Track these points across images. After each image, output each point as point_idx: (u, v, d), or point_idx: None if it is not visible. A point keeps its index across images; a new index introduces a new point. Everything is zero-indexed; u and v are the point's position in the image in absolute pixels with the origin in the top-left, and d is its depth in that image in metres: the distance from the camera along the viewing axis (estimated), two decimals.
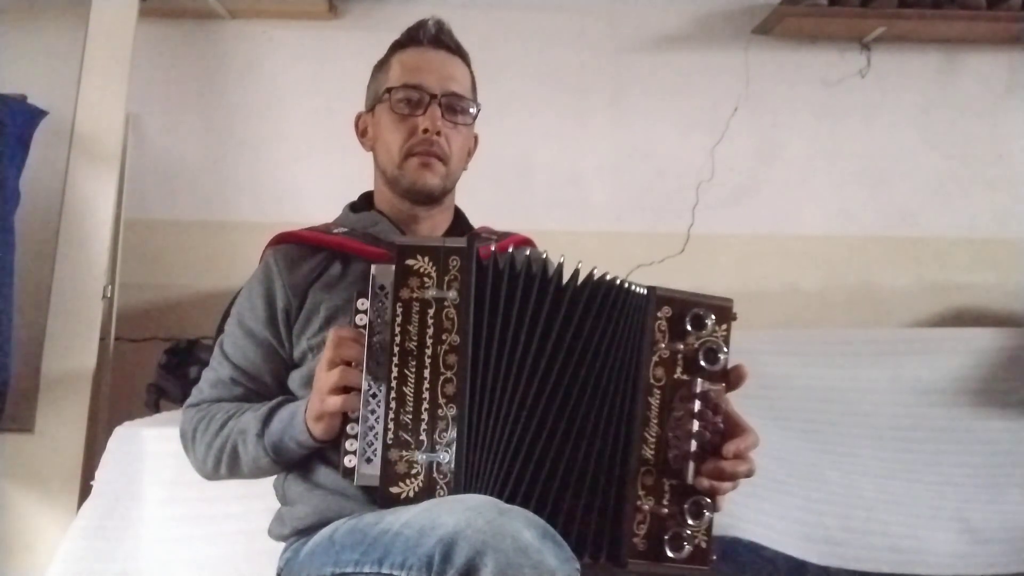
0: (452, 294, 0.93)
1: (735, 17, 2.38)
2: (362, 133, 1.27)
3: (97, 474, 1.57)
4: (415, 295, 0.93)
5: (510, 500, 0.89)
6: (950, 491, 1.85)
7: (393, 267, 0.94)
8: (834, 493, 1.80)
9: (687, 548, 0.92)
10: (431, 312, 0.93)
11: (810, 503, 1.77)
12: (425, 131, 1.15)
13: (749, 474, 0.94)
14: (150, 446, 1.56)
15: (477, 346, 0.94)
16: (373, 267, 0.96)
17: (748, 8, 2.37)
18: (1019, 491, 1.87)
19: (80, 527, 1.53)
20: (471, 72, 1.24)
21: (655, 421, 0.95)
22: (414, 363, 0.92)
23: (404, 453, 0.91)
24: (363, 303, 0.99)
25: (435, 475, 0.90)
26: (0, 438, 1.82)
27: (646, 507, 0.93)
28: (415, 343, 0.92)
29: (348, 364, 0.95)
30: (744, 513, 1.66)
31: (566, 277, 0.99)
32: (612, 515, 0.94)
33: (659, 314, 0.96)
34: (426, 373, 0.92)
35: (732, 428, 0.96)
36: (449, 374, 0.92)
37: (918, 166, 2.41)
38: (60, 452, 1.83)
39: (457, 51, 1.22)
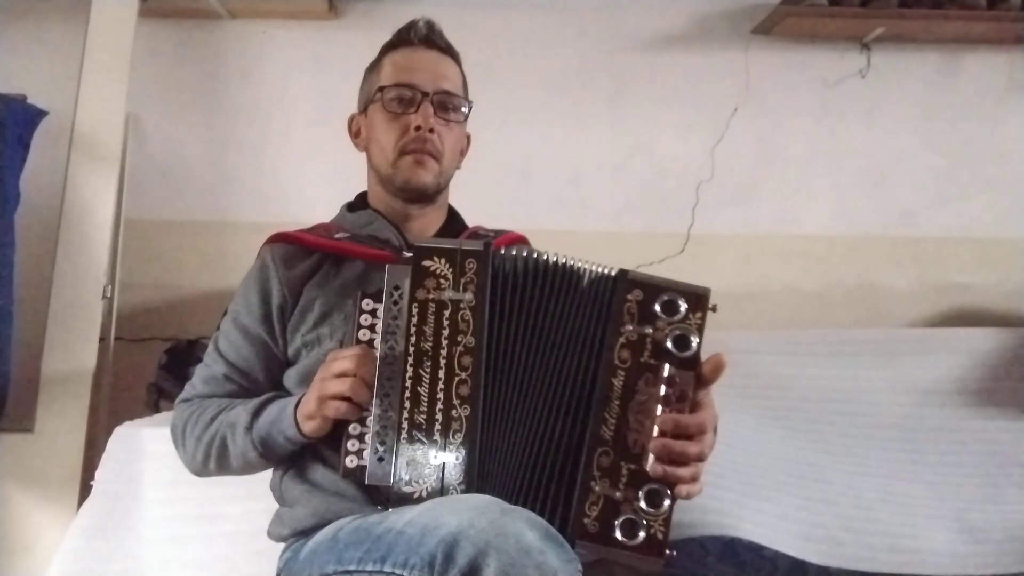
0: (468, 296, 0.94)
1: (735, 17, 2.38)
2: (355, 134, 1.28)
3: (97, 474, 1.57)
4: (431, 296, 0.94)
5: (523, 502, 0.89)
6: (950, 491, 1.85)
7: (408, 267, 0.95)
8: (834, 493, 1.79)
9: (641, 535, 0.88)
10: (447, 313, 0.94)
11: (810, 503, 1.76)
12: (418, 128, 1.16)
13: (700, 456, 0.91)
14: (150, 446, 1.56)
15: (491, 348, 0.94)
16: (388, 267, 0.97)
17: (748, 8, 2.37)
18: (1019, 491, 1.86)
19: (80, 527, 1.53)
20: (462, 71, 1.25)
21: (617, 403, 0.92)
22: (429, 364, 0.93)
23: (418, 452, 0.91)
24: (368, 303, 0.99)
25: (448, 475, 0.90)
26: (0, 438, 1.82)
27: (598, 488, 0.90)
28: (430, 344, 0.93)
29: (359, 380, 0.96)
30: (744, 513, 1.66)
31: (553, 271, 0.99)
32: (563, 493, 0.92)
33: (629, 296, 0.94)
34: (441, 374, 0.93)
35: (693, 406, 0.93)
36: (464, 375, 0.92)
37: (918, 166, 2.41)
38: (60, 452, 1.82)
39: (448, 51, 1.23)
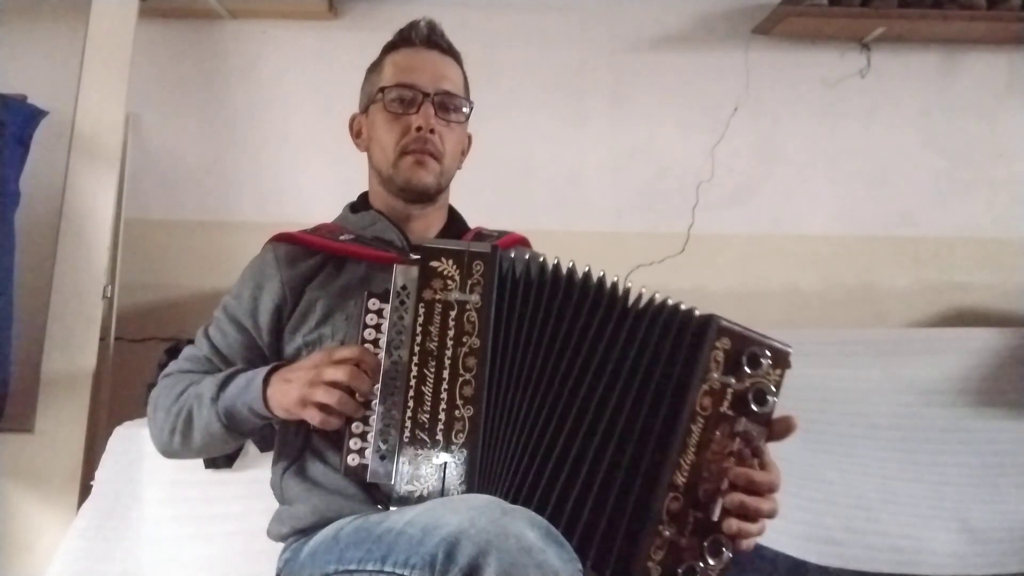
0: (475, 298, 0.94)
1: (735, 17, 2.38)
2: (356, 134, 1.28)
3: (97, 474, 1.58)
4: (438, 297, 0.94)
5: (524, 503, 0.89)
6: (950, 491, 1.85)
7: (415, 268, 0.95)
8: (834, 493, 1.80)
9: None
10: (453, 314, 0.94)
11: (810, 503, 1.76)
12: (419, 129, 1.16)
13: (772, 514, 0.92)
14: (150, 446, 1.55)
15: (496, 350, 0.94)
16: (396, 267, 0.97)
17: (748, 8, 2.37)
18: (1019, 491, 1.87)
19: (80, 527, 1.54)
20: (463, 71, 1.25)
21: (692, 450, 0.91)
22: (434, 364, 0.93)
23: (420, 452, 0.91)
24: (375, 303, 0.99)
25: (449, 475, 0.90)
26: (0, 438, 1.82)
27: (667, 533, 0.90)
28: (435, 344, 0.93)
29: (352, 393, 0.95)
30: None
31: (604, 291, 0.98)
32: (630, 532, 0.91)
33: (718, 344, 0.92)
34: (445, 374, 0.93)
35: (762, 463, 0.95)
36: (468, 376, 0.93)
37: (918, 166, 2.41)
38: (60, 452, 1.82)
39: (449, 51, 1.23)
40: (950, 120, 2.41)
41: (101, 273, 1.94)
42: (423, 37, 1.21)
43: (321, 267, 1.17)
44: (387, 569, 0.83)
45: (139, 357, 2.17)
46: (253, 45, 2.32)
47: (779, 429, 0.95)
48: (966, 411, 1.98)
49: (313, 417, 0.96)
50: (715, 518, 0.90)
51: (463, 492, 0.89)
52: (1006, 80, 2.42)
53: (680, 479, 0.91)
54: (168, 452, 1.16)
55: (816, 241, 2.40)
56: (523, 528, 0.78)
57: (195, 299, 2.26)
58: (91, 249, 1.93)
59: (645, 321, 0.96)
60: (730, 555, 0.90)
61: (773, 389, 0.93)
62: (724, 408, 0.92)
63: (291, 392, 0.98)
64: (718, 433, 0.92)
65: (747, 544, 0.92)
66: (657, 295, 0.98)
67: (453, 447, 0.91)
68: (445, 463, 0.91)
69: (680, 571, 0.89)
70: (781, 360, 0.94)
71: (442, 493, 0.90)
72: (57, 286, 1.90)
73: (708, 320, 0.94)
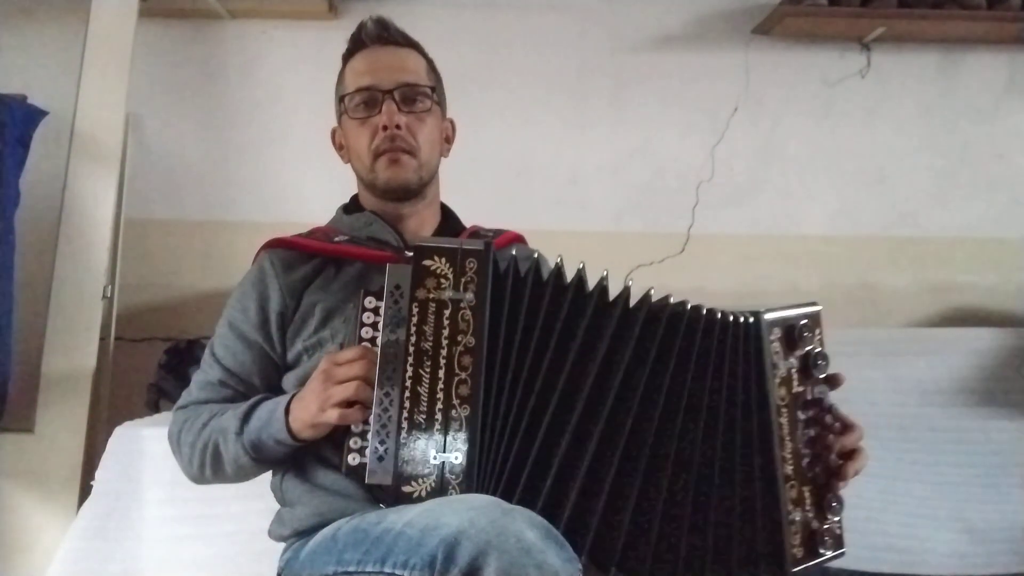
0: (469, 296, 0.94)
1: (735, 17, 2.38)
2: (339, 147, 1.28)
3: (97, 474, 1.57)
4: (432, 295, 0.94)
5: (521, 502, 0.89)
6: (950, 491, 1.85)
7: (408, 267, 0.94)
8: None
9: (830, 540, 0.97)
10: (447, 313, 0.93)
11: None
12: (385, 128, 1.15)
13: (864, 461, 1.01)
14: (150, 446, 1.56)
15: (492, 349, 0.94)
16: (389, 266, 0.96)
17: (748, 8, 2.37)
18: (1019, 491, 1.87)
19: (80, 527, 1.54)
20: (426, 58, 1.24)
21: (788, 439, 0.96)
22: (429, 363, 0.92)
23: (417, 452, 0.91)
24: (371, 301, 0.99)
25: (447, 475, 0.90)
26: (0, 438, 1.82)
27: (796, 518, 0.96)
28: (430, 343, 0.93)
29: (368, 383, 0.95)
30: None
31: (593, 291, 0.99)
32: (766, 536, 0.96)
33: (772, 337, 0.97)
34: (441, 374, 0.92)
35: (844, 425, 1.03)
36: (464, 375, 0.92)
37: (918, 166, 2.41)
38: (60, 452, 1.82)
39: (405, 42, 1.22)
40: (950, 120, 2.41)
41: (101, 273, 1.93)
42: (373, 36, 1.20)
43: (319, 271, 1.16)
44: (387, 570, 0.83)
45: (139, 357, 2.17)
46: (253, 45, 2.32)
47: (833, 383, 1.02)
48: (966, 411, 1.98)
49: (342, 417, 0.96)
50: (821, 483, 0.98)
51: (462, 492, 0.89)
52: (1006, 80, 2.42)
53: (788, 469, 0.96)
54: (201, 483, 1.15)
55: (816, 241, 2.40)
56: (523, 528, 0.78)
57: (195, 299, 2.26)
58: (91, 249, 1.93)
59: (661, 325, 0.98)
60: (842, 503, 0.98)
61: (823, 350, 0.99)
62: (795, 388, 0.98)
63: (309, 406, 0.98)
64: (799, 413, 0.97)
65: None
66: (671, 297, 0.99)
67: (450, 447, 0.91)
68: (443, 463, 0.90)
69: (818, 539, 0.96)
70: (817, 320, 1.00)
71: (440, 493, 0.89)
72: (57, 286, 1.90)
73: (758, 321, 0.97)
